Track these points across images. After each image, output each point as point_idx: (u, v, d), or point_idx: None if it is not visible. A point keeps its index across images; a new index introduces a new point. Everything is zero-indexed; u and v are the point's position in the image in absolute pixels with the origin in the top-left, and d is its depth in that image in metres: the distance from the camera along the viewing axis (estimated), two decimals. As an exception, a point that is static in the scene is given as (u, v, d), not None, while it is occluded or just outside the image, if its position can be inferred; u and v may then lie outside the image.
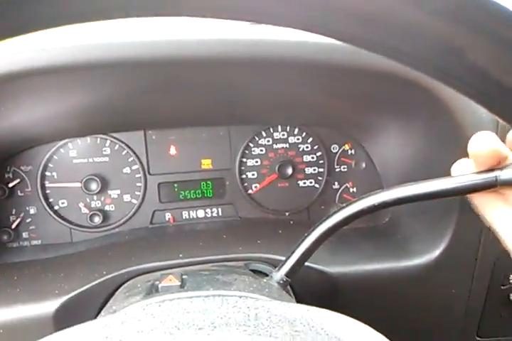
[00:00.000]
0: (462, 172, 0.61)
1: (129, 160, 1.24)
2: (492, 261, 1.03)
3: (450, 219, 0.99)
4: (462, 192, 0.61)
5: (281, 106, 1.17)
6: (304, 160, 1.30)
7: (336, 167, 1.31)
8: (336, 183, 1.31)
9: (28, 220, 1.20)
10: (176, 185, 1.27)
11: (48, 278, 0.97)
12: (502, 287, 1.07)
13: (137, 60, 0.86)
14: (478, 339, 1.12)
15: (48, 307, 0.89)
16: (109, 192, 1.24)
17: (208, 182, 1.29)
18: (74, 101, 1.04)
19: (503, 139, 0.57)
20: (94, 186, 1.21)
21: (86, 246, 1.20)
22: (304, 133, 1.29)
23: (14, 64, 0.82)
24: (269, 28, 0.90)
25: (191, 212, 1.29)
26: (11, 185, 1.18)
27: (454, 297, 1.06)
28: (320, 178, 1.30)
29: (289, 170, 1.27)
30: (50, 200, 1.21)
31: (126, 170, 1.24)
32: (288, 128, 1.29)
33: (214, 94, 1.08)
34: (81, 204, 1.23)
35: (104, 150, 1.23)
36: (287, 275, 0.77)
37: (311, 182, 1.31)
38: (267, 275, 0.87)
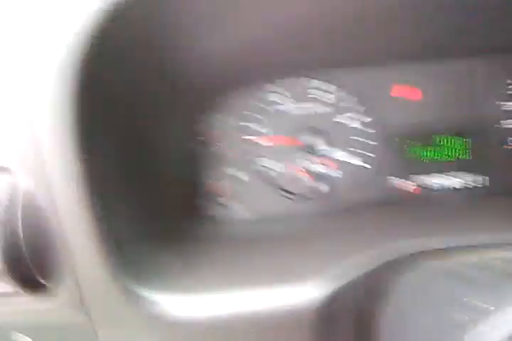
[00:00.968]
0: None
1: (360, 110, 0.94)
2: None
3: None
4: None
5: None
6: None
7: None
8: None
9: (234, 186, 0.96)
10: (418, 143, 0.94)
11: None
12: None
13: None
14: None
15: (313, 294, 0.63)
16: (333, 152, 0.95)
17: (465, 140, 0.93)
18: (289, 24, 0.76)
19: None
20: (317, 143, 0.93)
21: (304, 222, 0.92)
22: None
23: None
24: None
25: (441, 179, 0.94)
26: (209, 138, 0.95)
27: None
28: None
29: None
30: (262, 162, 0.96)
31: (355, 124, 0.94)
32: None
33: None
34: (297, 168, 0.95)
35: (323, 97, 0.94)
36: None
37: None
38: None
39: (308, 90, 0.94)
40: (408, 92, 0.92)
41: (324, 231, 0.83)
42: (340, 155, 0.94)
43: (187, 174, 0.93)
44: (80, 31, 0.56)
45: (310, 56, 0.90)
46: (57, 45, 0.56)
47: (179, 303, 0.65)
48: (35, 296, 0.63)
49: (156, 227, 0.77)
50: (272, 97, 0.94)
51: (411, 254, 0.68)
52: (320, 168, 0.95)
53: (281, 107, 0.94)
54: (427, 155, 0.94)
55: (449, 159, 0.93)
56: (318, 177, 0.94)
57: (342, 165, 0.95)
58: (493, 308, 0.45)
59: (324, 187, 0.93)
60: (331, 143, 0.94)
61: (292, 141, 0.94)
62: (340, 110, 0.94)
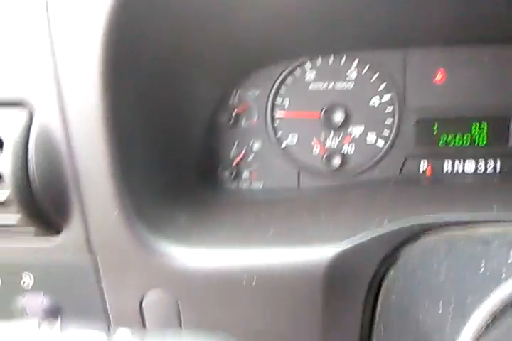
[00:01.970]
0: None
1: (380, 88, 0.94)
2: None
3: None
4: None
5: None
6: None
7: None
8: None
9: (251, 157, 0.97)
10: (436, 125, 0.94)
11: (313, 222, 0.71)
12: None
13: None
14: None
15: (324, 254, 0.63)
16: (350, 128, 0.95)
17: (483, 123, 0.93)
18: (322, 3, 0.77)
19: None
20: (336, 118, 0.93)
21: (315, 194, 0.92)
22: None
23: None
24: None
25: (457, 162, 0.94)
26: (236, 111, 0.95)
27: None
28: None
29: None
30: (278, 134, 0.96)
31: (375, 101, 0.94)
32: None
33: None
34: (314, 142, 0.96)
35: (349, 74, 0.94)
36: None
37: None
38: None
39: (331, 66, 0.94)
40: (431, 74, 0.92)
41: (333, 202, 0.83)
42: (356, 131, 0.94)
43: (207, 143, 0.93)
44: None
45: (337, 35, 0.90)
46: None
47: (190, 255, 0.65)
48: (42, 232, 0.62)
49: (172, 186, 0.77)
50: (297, 73, 0.94)
51: (420, 225, 0.68)
52: (334, 143, 0.95)
53: (304, 83, 0.94)
54: (442, 139, 0.94)
55: (464, 144, 0.93)
56: (331, 151, 0.94)
57: (356, 141, 0.95)
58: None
59: (336, 161, 0.93)
60: (348, 118, 0.94)
61: (311, 114, 0.94)
62: (360, 86, 0.93)
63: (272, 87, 0.95)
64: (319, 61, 0.94)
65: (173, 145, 0.78)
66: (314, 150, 0.96)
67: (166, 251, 0.64)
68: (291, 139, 0.96)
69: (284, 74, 0.94)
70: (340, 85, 0.94)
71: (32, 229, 0.61)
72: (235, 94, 0.95)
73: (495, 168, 0.93)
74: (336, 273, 0.66)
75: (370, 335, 0.68)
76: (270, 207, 0.81)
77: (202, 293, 0.65)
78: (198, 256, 0.65)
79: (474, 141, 0.94)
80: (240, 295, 0.66)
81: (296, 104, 0.95)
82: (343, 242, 0.66)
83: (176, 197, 0.75)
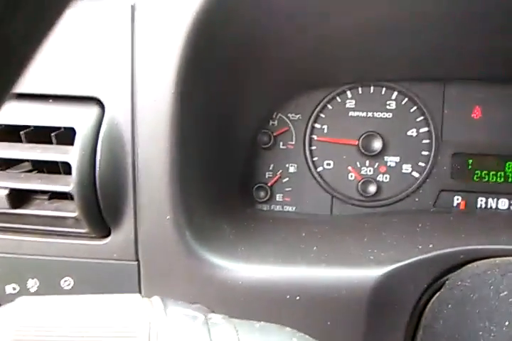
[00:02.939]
0: None
1: (418, 119, 0.96)
2: None
3: None
4: None
5: None
6: None
7: None
8: None
9: (286, 180, 0.97)
10: (470, 160, 0.95)
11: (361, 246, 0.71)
12: None
13: None
14: None
15: (370, 275, 0.62)
16: (386, 158, 0.96)
17: (516, 162, 0.94)
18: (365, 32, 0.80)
19: None
20: (373, 146, 0.95)
21: (350, 220, 0.92)
22: None
23: None
24: None
25: (490, 199, 0.95)
26: (275, 133, 0.97)
27: None
28: None
29: None
30: (314, 159, 0.97)
31: (412, 132, 0.96)
32: None
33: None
34: (350, 169, 0.97)
35: (389, 104, 0.96)
36: None
37: None
38: None
39: (372, 95, 0.96)
40: (469, 109, 0.95)
41: (374, 226, 0.83)
42: (392, 160, 0.95)
43: (247, 162, 0.94)
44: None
45: (380, 66, 0.93)
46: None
47: (237, 269, 0.64)
48: (93, 231, 0.62)
49: (218, 201, 0.77)
50: (338, 100, 0.96)
51: (467, 254, 0.68)
52: (370, 170, 0.96)
53: (345, 109, 0.96)
54: (477, 174, 0.95)
55: (497, 180, 0.94)
56: (366, 178, 0.95)
57: (392, 170, 0.96)
58: None
59: (371, 189, 0.94)
60: (385, 147, 0.95)
61: (349, 141, 0.95)
62: (399, 117, 0.95)
63: (313, 112, 0.97)
64: (360, 90, 0.96)
65: (220, 161, 0.79)
66: (349, 176, 0.97)
67: (212, 262, 0.63)
68: (327, 165, 0.97)
69: (325, 100, 0.97)
70: (379, 114, 0.96)
71: (83, 229, 0.60)
72: (276, 116, 0.97)
73: (526, 206, 0.94)
74: (381, 295, 0.65)
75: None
76: (309, 227, 0.81)
77: (244, 307, 0.63)
78: (244, 270, 0.64)
79: (508, 179, 0.95)
80: (281, 313, 0.64)
81: (334, 130, 0.97)
82: (389, 264, 0.65)
83: (221, 211, 0.75)
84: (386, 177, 0.96)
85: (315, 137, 0.97)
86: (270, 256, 0.66)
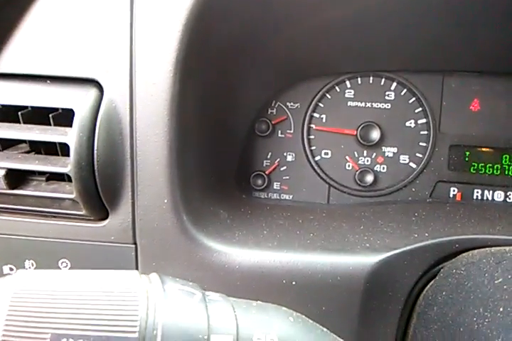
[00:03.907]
0: None
1: (416, 110, 0.96)
2: None
3: None
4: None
5: None
6: None
7: None
8: None
9: (283, 168, 0.97)
10: (467, 152, 0.95)
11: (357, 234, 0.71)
12: None
13: None
14: None
15: (367, 262, 0.63)
16: (384, 148, 0.96)
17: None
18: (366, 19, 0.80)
19: None
20: (371, 136, 0.95)
21: (345, 212, 0.92)
22: None
23: None
24: None
25: (486, 191, 0.95)
26: (274, 121, 0.97)
27: None
28: None
29: None
30: (312, 148, 0.97)
31: (410, 123, 0.96)
32: None
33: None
34: (347, 159, 0.97)
35: (388, 95, 0.96)
36: None
37: None
38: None
39: (371, 85, 0.96)
40: (467, 102, 0.95)
41: (370, 214, 0.83)
42: (389, 150, 0.96)
43: (245, 149, 0.94)
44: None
45: (380, 57, 0.93)
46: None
47: (233, 253, 0.64)
48: (90, 213, 0.62)
49: (216, 187, 0.78)
50: (337, 89, 0.96)
51: (462, 243, 0.68)
52: (367, 160, 0.96)
53: (344, 99, 0.96)
54: (473, 166, 0.95)
55: (494, 173, 0.95)
56: (364, 168, 0.95)
57: (389, 160, 0.96)
58: None
59: (368, 179, 0.94)
60: (383, 137, 0.95)
61: (347, 131, 0.95)
62: (397, 108, 0.95)
63: (312, 101, 0.97)
64: (359, 80, 0.96)
65: (218, 147, 0.79)
66: (347, 166, 0.97)
67: (209, 246, 0.64)
68: (325, 154, 0.97)
69: (324, 89, 0.96)
70: (378, 105, 0.96)
71: (80, 211, 0.60)
72: (275, 105, 0.97)
73: (521, 198, 0.94)
74: (376, 282, 0.65)
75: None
76: (306, 214, 0.81)
77: (240, 291, 0.63)
78: (240, 254, 0.64)
79: (504, 171, 0.95)
80: (276, 298, 0.65)
81: (333, 119, 0.97)
82: (385, 252, 0.66)
83: (218, 197, 0.75)
84: (383, 168, 0.96)
85: (313, 126, 0.97)
86: (267, 241, 0.67)
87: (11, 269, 0.62)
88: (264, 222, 0.74)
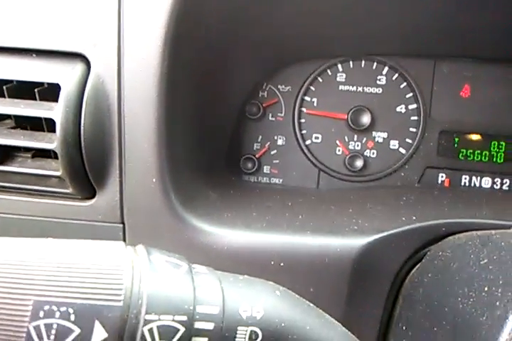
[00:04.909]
0: None
1: (407, 96, 0.96)
2: None
3: None
4: None
5: None
6: None
7: None
8: None
9: (274, 152, 0.97)
10: (456, 138, 0.96)
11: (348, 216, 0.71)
12: None
13: None
14: None
15: (354, 244, 0.63)
16: (374, 133, 0.96)
17: (501, 142, 0.95)
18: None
19: None
20: (362, 121, 0.95)
21: (334, 196, 0.92)
22: None
23: None
24: None
25: (474, 177, 0.96)
26: (265, 104, 0.96)
27: None
28: None
29: None
30: (303, 132, 0.97)
31: (401, 108, 0.96)
32: None
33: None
34: (338, 143, 0.97)
35: (379, 79, 0.96)
36: None
37: None
38: None
39: (363, 69, 0.95)
40: (458, 88, 0.95)
41: (359, 198, 0.84)
42: (380, 135, 0.96)
43: (235, 132, 0.93)
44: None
45: (371, 39, 0.93)
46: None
47: (222, 234, 0.64)
48: (77, 192, 0.61)
49: (205, 168, 0.77)
50: (329, 73, 0.96)
51: (449, 227, 0.69)
52: (357, 145, 0.96)
53: (335, 83, 0.96)
54: (462, 152, 0.95)
55: (482, 159, 0.95)
56: (354, 153, 0.95)
57: (379, 145, 0.96)
58: None
59: (358, 164, 0.94)
60: (373, 122, 0.95)
61: (338, 115, 0.95)
62: (388, 92, 0.95)
63: (303, 85, 0.96)
64: (351, 64, 0.96)
65: (208, 128, 0.78)
66: (337, 151, 0.97)
67: (197, 227, 0.63)
68: (315, 138, 0.97)
69: (316, 72, 0.96)
70: (369, 89, 0.96)
71: (67, 189, 0.59)
72: (266, 87, 0.96)
73: (510, 186, 0.95)
74: (363, 264, 0.66)
75: (387, 329, 0.68)
76: (295, 198, 0.81)
77: (229, 272, 0.63)
78: (229, 235, 0.64)
79: (492, 158, 0.95)
80: (265, 279, 0.65)
81: (324, 103, 0.96)
82: (373, 234, 0.66)
83: (208, 179, 0.74)
84: (373, 153, 0.96)
85: (304, 110, 0.97)
86: (256, 222, 0.66)
87: (-4, 246, 0.61)
88: (254, 204, 0.74)
